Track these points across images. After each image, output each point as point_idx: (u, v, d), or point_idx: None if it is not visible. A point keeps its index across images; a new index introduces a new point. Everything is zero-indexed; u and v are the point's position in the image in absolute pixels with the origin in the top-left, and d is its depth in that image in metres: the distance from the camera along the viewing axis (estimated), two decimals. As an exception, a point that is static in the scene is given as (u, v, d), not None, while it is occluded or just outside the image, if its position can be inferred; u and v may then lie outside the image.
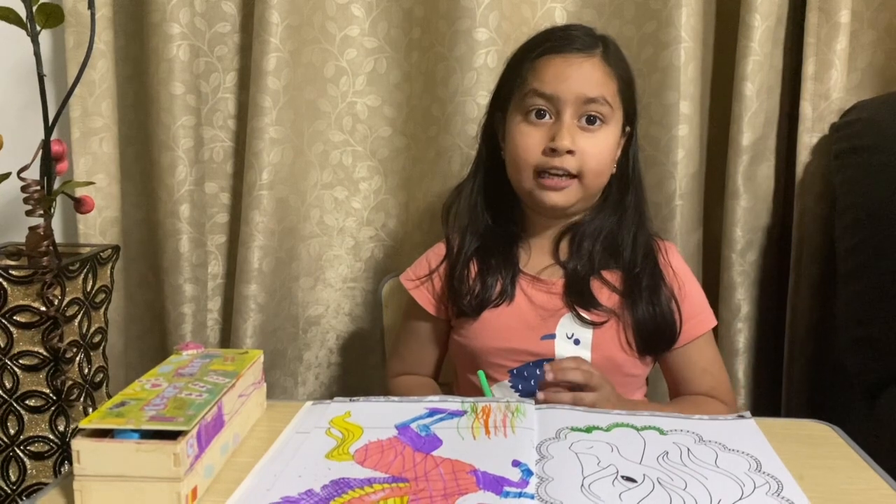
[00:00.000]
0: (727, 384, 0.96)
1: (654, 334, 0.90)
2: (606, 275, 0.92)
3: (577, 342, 0.90)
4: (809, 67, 1.17)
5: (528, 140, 0.89)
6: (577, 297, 0.90)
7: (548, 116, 0.89)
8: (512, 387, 0.92)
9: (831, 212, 1.15)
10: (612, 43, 0.94)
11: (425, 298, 0.97)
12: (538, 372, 0.89)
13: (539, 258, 0.95)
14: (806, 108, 1.18)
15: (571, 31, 0.93)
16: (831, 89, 1.18)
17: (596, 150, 0.89)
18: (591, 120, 0.89)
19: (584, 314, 0.90)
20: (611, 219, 0.93)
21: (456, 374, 1.01)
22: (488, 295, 0.92)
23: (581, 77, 0.88)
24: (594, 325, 0.90)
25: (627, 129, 0.94)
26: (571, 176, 0.89)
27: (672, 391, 0.97)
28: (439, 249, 0.99)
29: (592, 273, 0.91)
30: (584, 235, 0.92)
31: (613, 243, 0.92)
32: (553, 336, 0.91)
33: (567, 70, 0.89)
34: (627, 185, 0.94)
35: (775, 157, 1.23)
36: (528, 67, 0.91)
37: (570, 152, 0.87)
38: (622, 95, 0.91)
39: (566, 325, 0.91)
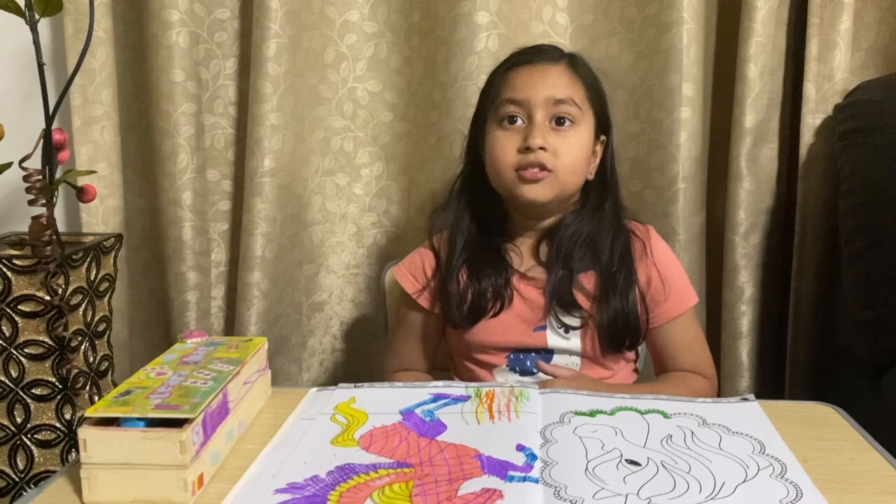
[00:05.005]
0: (709, 361, 0.99)
1: (617, 335, 0.93)
2: (583, 279, 0.94)
3: (567, 331, 0.94)
4: (813, 48, 1.17)
5: (504, 144, 0.93)
6: (559, 302, 0.93)
7: (520, 121, 0.93)
8: (510, 368, 0.96)
9: (835, 193, 1.15)
10: (580, 57, 0.98)
11: (425, 299, 0.99)
12: (533, 354, 0.95)
13: (525, 257, 0.98)
14: (809, 89, 1.18)
15: (540, 46, 0.99)
16: (835, 70, 1.17)
17: (568, 147, 0.92)
18: (560, 121, 0.92)
19: (564, 319, 0.94)
20: (589, 223, 0.96)
21: (452, 360, 1.03)
22: (482, 305, 0.95)
23: (548, 81, 0.93)
24: (573, 328, 0.94)
25: (603, 137, 0.97)
26: (547, 169, 0.91)
27: (657, 368, 1.00)
28: (430, 257, 1.01)
29: (571, 279, 0.94)
30: (562, 239, 0.95)
31: (591, 246, 0.95)
32: (545, 328, 0.95)
33: (534, 76, 0.94)
34: (606, 191, 0.97)
35: (778, 139, 1.22)
36: (499, 81, 0.96)
37: (542, 149, 0.90)
38: (591, 101, 0.95)
39: (555, 317, 0.94)
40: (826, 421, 0.71)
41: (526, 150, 0.91)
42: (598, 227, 0.96)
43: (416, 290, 1.00)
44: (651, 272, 0.96)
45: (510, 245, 0.98)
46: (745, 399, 0.75)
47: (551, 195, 0.92)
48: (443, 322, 1.00)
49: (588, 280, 0.94)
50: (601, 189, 0.97)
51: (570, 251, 0.94)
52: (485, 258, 0.97)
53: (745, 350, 1.22)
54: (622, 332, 0.93)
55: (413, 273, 1.01)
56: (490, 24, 1.18)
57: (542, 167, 0.91)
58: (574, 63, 0.96)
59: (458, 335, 0.97)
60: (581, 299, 0.93)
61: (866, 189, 1.08)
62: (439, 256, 1.00)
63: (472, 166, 1.00)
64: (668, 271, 0.97)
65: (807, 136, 1.19)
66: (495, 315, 0.95)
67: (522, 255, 0.98)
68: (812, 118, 1.19)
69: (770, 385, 1.26)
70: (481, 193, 0.99)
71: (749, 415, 0.71)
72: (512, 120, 0.93)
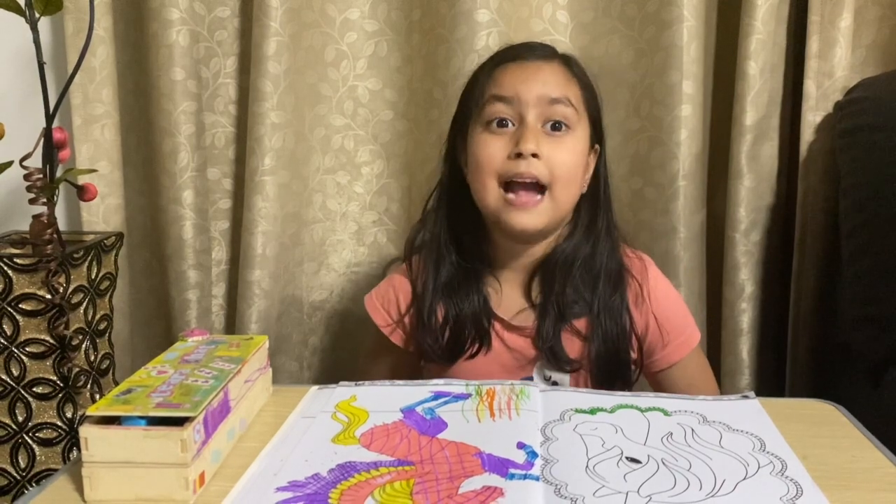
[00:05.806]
0: (714, 392, 0.95)
1: (610, 366, 0.87)
2: (577, 324, 0.87)
3: (554, 384, 0.88)
4: (813, 45, 1.16)
5: (491, 148, 0.83)
6: (549, 355, 0.87)
7: (510, 125, 0.83)
8: None
9: (835, 191, 1.15)
10: (574, 58, 0.90)
11: (398, 336, 0.93)
12: None
13: (511, 298, 0.90)
14: (810, 86, 1.17)
15: (530, 43, 0.91)
16: (835, 67, 1.17)
17: (564, 155, 0.83)
18: (556, 126, 0.83)
19: (554, 370, 0.87)
20: (583, 247, 0.87)
21: None
22: (461, 345, 0.88)
23: (541, 78, 0.84)
24: (565, 372, 0.88)
25: (596, 146, 0.90)
26: (540, 188, 0.83)
27: None
28: (405, 286, 0.93)
29: (563, 325, 0.86)
30: (555, 270, 0.86)
31: (585, 274, 0.86)
32: (531, 379, 0.89)
33: (526, 72, 0.84)
34: (598, 207, 0.89)
35: (779, 137, 1.22)
36: (485, 79, 0.86)
37: (535, 155, 0.81)
38: (587, 103, 0.87)
39: (543, 368, 0.89)
40: (826, 418, 0.71)
41: (517, 156, 0.81)
42: (593, 250, 0.87)
43: (387, 324, 0.93)
44: (649, 320, 0.88)
45: (492, 278, 0.89)
46: (746, 396, 0.75)
47: (544, 222, 0.84)
48: (418, 359, 0.94)
49: (581, 324, 0.87)
50: (594, 204, 0.89)
51: (563, 287, 0.85)
52: (465, 285, 0.88)
53: (745, 347, 1.22)
54: (614, 362, 0.86)
55: (386, 307, 0.93)
56: (490, 21, 1.18)
57: (535, 182, 0.81)
58: (568, 62, 0.88)
59: (438, 376, 0.91)
60: (575, 347, 0.86)
61: (867, 186, 1.08)
62: (416, 284, 0.90)
63: (452, 177, 0.91)
64: (668, 318, 0.89)
65: (807, 134, 1.19)
66: (473, 356, 0.88)
67: (504, 293, 0.89)
68: (812, 115, 1.18)
69: (770, 382, 1.25)
70: (461, 209, 0.89)
71: (749, 412, 0.71)
72: (501, 123, 0.83)
